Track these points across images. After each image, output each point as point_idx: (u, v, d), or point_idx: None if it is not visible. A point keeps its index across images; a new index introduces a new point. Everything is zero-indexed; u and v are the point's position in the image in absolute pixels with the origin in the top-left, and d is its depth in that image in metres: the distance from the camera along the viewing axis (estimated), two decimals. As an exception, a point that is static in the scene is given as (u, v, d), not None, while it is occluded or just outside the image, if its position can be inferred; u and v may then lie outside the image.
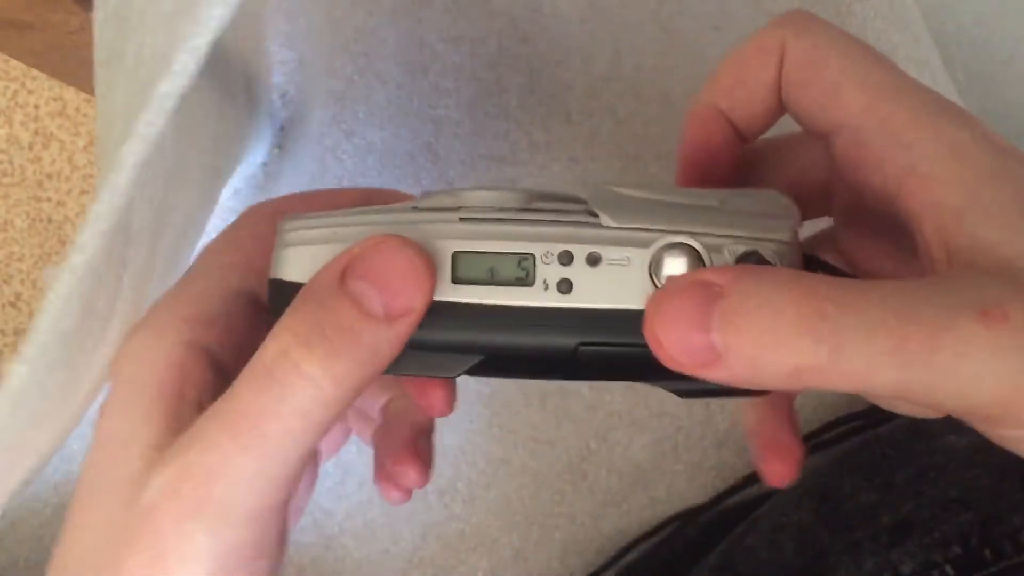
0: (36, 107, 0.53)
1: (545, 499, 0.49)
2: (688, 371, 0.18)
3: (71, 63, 0.46)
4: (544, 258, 0.20)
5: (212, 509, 0.20)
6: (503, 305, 0.20)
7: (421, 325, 0.20)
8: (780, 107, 0.24)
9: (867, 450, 0.41)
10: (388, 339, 0.20)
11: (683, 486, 0.48)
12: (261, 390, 0.20)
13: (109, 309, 0.24)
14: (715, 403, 0.49)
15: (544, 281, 0.20)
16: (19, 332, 0.53)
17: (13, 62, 0.53)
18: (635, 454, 0.48)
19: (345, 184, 0.46)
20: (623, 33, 0.46)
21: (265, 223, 0.26)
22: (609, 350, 0.20)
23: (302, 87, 0.47)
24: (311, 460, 0.31)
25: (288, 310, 0.21)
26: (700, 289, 0.18)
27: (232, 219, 0.46)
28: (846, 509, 0.39)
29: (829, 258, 0.26)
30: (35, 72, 0.53)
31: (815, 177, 0.26)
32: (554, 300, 0.20)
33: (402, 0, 0.45)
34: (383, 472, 0.29)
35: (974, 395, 0.17)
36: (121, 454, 0.22)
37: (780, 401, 0.27)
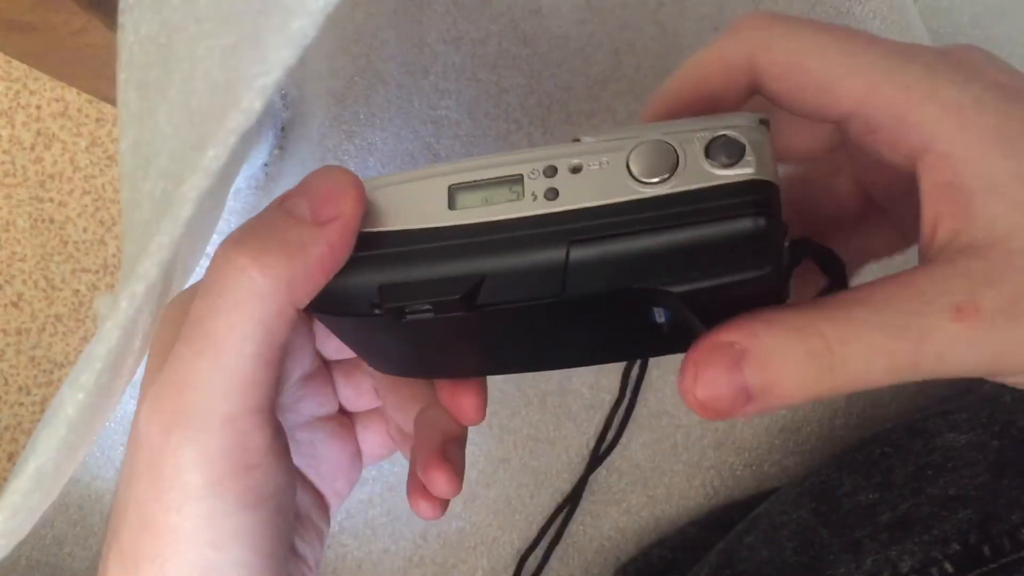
0: (38, 108, 0.54)
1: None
2: (726, 416, 0.21)
3: (73, 64, 0.46)
4: (531, 175, 0.22)
5: (188, 418, 0.22)
6: (495, 220, 0.22)
7: (421, 250, 0.22)
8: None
9: (866, 449, 0.41)
10: (315, 237, 0.22)
11: (683, 486, 0.48)
12: (204, 293, 0.22)
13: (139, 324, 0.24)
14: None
15: (532, 193, 0.22)
16: (20, 332, 0.53)
17: (15, 63, 0.53)
18: (635, 454, 0.48)
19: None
20: (623, 33, 0.46)
21: None
22: (599, 250, 0.21)
23: (303, 88, 0.47)
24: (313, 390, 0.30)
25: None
26: (724, 352, 0.21)
27: (232, 219, 0.47)
28: (845, 507, 0.39)
29: (843, 181, 0.27)
30: (37, 73, 0.53)
31: (818, 148, 0.26)
32: (542, 207, 0.22)
33: (402, 1, 0.45)
34: (415, 483, 0.29)
35: (964, 374, 0.20)
36: None
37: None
